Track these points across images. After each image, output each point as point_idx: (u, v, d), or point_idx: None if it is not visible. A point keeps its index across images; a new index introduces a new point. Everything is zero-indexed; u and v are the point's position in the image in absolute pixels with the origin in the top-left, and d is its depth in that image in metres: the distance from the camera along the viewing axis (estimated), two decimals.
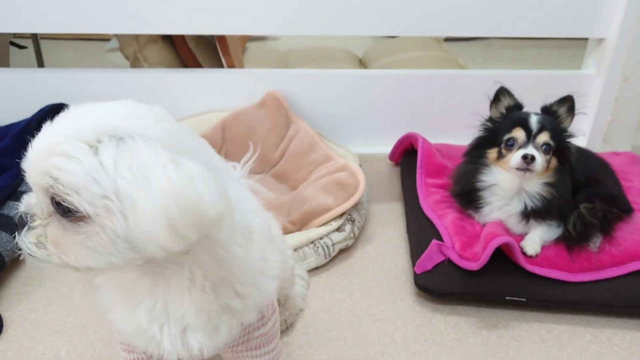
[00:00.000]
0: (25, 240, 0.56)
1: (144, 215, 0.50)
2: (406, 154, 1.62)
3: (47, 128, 0.55)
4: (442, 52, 2.33)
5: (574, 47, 2.84)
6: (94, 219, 0.51)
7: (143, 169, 0.50)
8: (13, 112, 1.54)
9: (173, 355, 0.65)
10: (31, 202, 0.57)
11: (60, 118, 0.55)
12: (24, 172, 0.55)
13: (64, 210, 0.52)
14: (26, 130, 1.37)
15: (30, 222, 0.56)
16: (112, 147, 0.51)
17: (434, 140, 1.55)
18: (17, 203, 1.22)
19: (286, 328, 1.07)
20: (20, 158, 0.56)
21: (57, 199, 0.52)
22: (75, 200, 0.50)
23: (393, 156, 1.68)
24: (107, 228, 0.51)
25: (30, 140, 0.54)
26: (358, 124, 1.75)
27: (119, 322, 0.67)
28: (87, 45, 2.96)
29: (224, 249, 0.61)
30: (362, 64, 2.52)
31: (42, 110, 1.44)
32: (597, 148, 1.67)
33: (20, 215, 0.57)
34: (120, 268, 0.55)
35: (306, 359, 1.01)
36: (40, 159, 0.52)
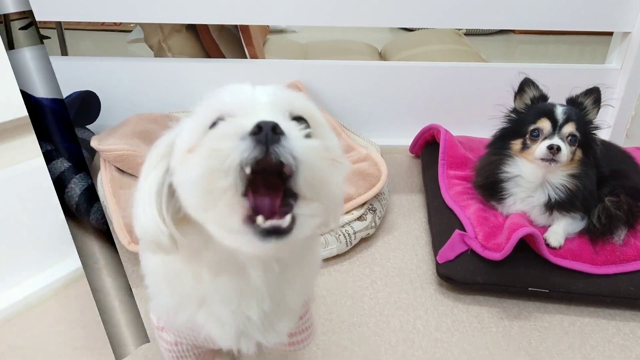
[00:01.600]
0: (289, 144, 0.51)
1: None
2: (427, 146, 1.62)
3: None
4: (463, 46, 2.31)
5: (595, 42, 2.82)
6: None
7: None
8: None
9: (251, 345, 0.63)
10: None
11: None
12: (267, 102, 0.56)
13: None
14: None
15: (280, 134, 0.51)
16: None
17: (455, 133, 1.55)
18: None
19: None
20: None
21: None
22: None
23: (414, 148, 1.68)
24: None
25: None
26: (379, 115, 1.75)
27: (209, 320, 0.61)
28: (109, 36, 2.99)
29: None
30: (382, 57, 2.51)
31: (70, 96, 1.46)
32: (619, 143, 1.65)
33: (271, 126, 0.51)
34: None
35: (329, 344, 1.02)
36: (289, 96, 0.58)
